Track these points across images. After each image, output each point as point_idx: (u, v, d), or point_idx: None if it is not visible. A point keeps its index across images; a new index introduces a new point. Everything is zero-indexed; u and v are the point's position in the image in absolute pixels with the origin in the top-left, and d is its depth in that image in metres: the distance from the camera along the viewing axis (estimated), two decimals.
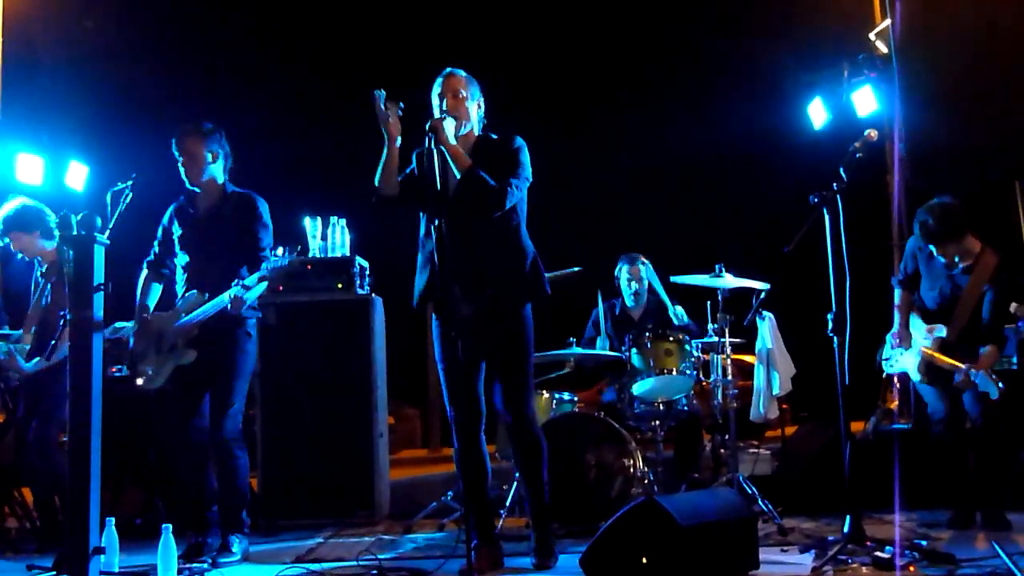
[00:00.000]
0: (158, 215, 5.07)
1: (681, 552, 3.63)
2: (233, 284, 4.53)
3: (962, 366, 4.70)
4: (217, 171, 4.88)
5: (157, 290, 4.96)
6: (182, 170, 4.85)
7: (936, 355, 4.85)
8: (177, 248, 4.91)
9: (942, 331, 4.90)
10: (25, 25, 8.35)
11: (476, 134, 4.42)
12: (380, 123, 4.18)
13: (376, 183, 4.32)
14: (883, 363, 5.20)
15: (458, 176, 4.21)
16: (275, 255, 4.53)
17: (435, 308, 4.34)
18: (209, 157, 4.84)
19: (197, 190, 4.89)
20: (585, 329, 6.35)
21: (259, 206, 4.89)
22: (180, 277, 4.90)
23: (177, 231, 4.93)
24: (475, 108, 4.39)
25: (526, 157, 4.35)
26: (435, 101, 4.34)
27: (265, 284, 4.58)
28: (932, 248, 4.92)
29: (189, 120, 4.89)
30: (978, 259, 4.88)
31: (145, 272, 4.97)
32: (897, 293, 5.19)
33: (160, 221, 5.02)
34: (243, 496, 4.79)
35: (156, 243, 5.00)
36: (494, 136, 4.44)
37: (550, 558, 4.24)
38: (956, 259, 4.90)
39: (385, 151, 4.22)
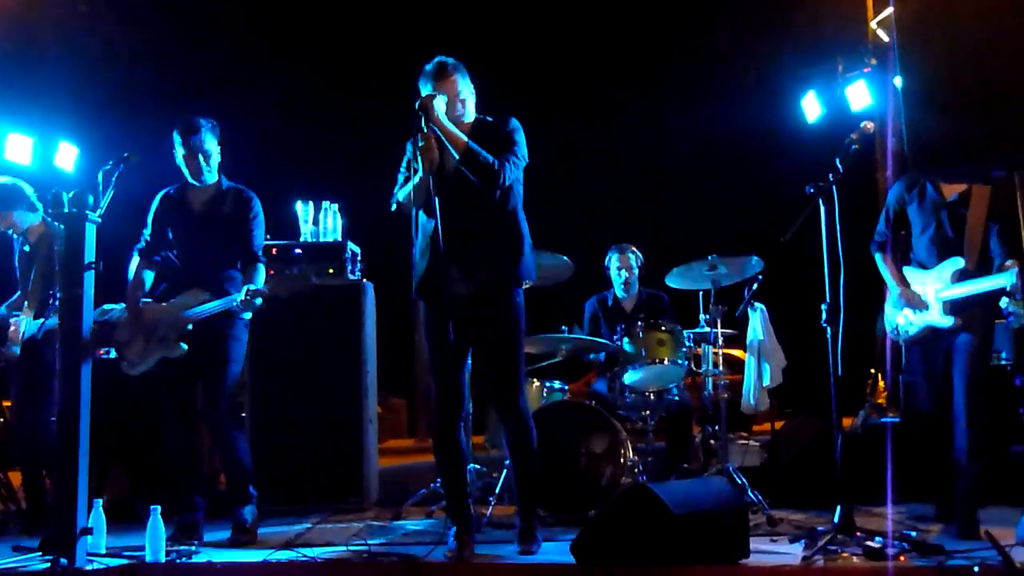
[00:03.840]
0: (149, 197, 5.03)
1: (672, 539, 3.64)
2: (243, 288, 4.62)
3: (1007, 266, 4.37)
4: (216, 167, 4.93)
5: (149, 277, 4.95)
6: (188, 165, 4.84)
7: (962, 285, 4.52)
8: (170, 237, 4.92)
9: (959, 261, 4.55)
10: (15, 4, 8.29)
11: (470, 119, 4.35)
12: (415, 144, 4.06)
13: (401, 200, 4.27)
14: (894, 332, 4.86)
15: (456, 156, 4.15)
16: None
17: (427, 290, 4.27)
18: (217, 153, 4.90)
19: (197, 184, 4.91)
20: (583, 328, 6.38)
21: (254, 203, 4.97)
22: (171, 266, 4.91)
23: (169, 223, 4.93)
24: (469, 100, 4.31)
25: (522, 137, 4.31)
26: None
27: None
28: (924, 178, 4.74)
29: (192, 115, 4.84)
30: (971, 186, 4.64)
31: (136, 259, 4.96)
32: (879, 258, 4.89)
33: (149, 208, 5.01)
34: (247, 471, 4.85)
35: (146, 231, 4.98)
36: (489, 119, 4.40)
37: (533, 543, 4.24)
38: None
39: (417, 177, 4.10)
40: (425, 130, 4.06)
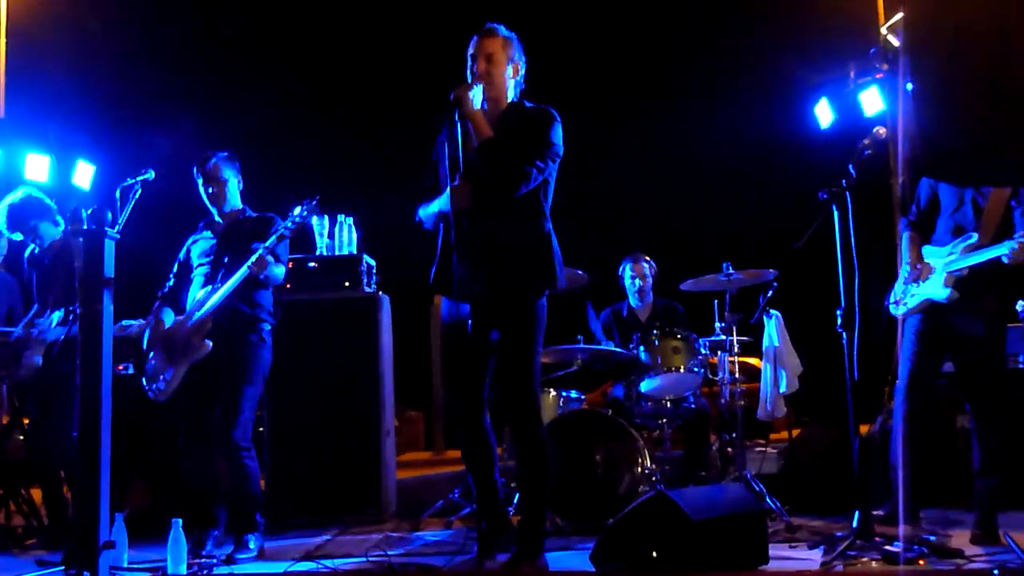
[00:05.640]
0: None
1: (691, 546, 3.64)
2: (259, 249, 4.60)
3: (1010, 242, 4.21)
4: (238, 195, 5.01)
5: (170, 316, 4.94)
6: (209, 200, 4.91)
7: (968, 256, 4.40)
8: (194, 264, 4.96)
9: (972, 237, 4.42)
10: (30, 23, 8.39)
11: (510, 100, 4.16)
12: (450, 135, 4.03)
13: (429, 229, 4.24)
14: (891, 306, 4.73)
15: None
16: (291, 215, 4.67)
17: (438, 285, 4.16)
18: (238, 182, 4.97)
19: (220, 220, 4.97)
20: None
21: (276, 221, 4.94)
22: (192, 295, 4.92)
23: (196, 253, 4.98)
24: (512, 71, 4.13)
25: (557, 134, 4.06)
26: (468, 62, 4.13)
27: (283, 268, 4.80)
28: None
29: (206, 151, 4.93)
30: None
31: (157, 305, 4.99)
32: (906, 236, 4.75)
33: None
34: (255, 500, 4.80)
35: (172, 275, 5.04)
36: (528, 104, 4.17)
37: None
38: None
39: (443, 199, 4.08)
40: (458, 122, 3.95)
